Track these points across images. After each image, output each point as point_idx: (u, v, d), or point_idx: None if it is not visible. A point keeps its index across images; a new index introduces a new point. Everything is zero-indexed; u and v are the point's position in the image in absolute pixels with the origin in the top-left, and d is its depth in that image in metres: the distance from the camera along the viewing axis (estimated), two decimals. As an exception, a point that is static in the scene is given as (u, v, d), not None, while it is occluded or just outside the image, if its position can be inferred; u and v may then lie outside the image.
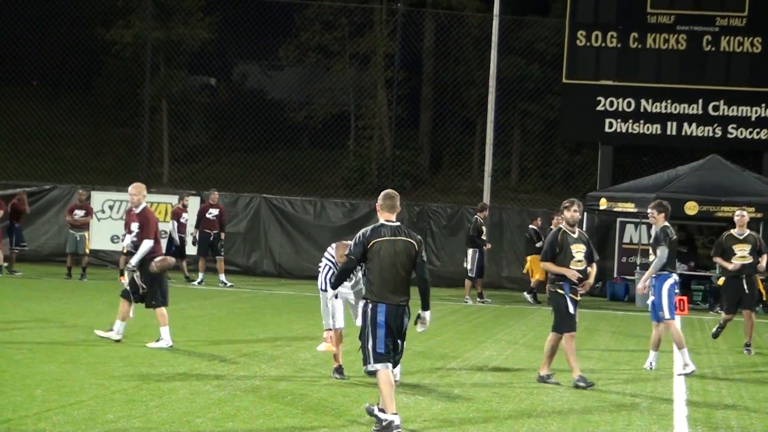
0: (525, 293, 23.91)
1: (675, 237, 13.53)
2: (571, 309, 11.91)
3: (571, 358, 11.98)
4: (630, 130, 26.68)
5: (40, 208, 27.70)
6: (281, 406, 9.85)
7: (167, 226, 27.07)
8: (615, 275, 26.11)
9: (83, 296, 20.17)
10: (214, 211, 24.26)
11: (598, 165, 27.59)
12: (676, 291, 13.42)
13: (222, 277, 24.00)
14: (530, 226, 24.13)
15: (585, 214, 24.75)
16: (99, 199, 27.72)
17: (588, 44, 26.51)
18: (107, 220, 27.55)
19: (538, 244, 24.00)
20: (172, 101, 34.60)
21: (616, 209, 24.50)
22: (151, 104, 30.92)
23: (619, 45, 26.47)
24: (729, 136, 26.47)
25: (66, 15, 32.27)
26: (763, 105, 26.32)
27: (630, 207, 23.95)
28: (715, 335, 16.42)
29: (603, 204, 24.47)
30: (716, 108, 26.40)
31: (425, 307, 9.43)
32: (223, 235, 24.47)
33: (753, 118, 26.41)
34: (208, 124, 35.65)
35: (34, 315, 16.47)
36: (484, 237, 23.30)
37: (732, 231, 15.83)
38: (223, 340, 14.57)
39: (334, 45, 35.80)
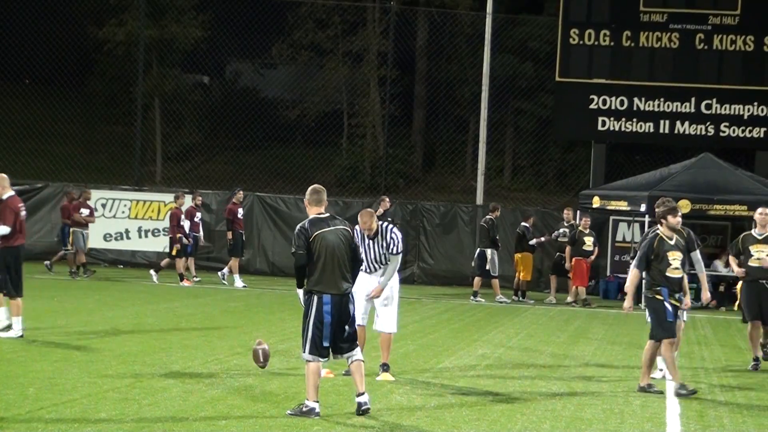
0: (513, 297, 23.63)
1: None
2: (669, 315, 11.47)
3: (670, 367, 11.61)
4: (623, 129, 26.70)
5: (32, 207, 27.58)
6: (274, 405, 9.84)
7: (161, 224, 27.10)
8: (608, 273, 26.14)
9: (75, 294, 20.14)
10: (241, 210, 24.09)
11: (591, 163, 27.61)
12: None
13: (237, 276, 23.84)
14: (522, 223, 24.09)
15: (578, 212, 24.79)
16: (92, 197, 27.66)
17: (581, 42, 26.52)
18: (100, 218, 27.50)
19: (532, 242, 24.02)
20: (165, 99, 34.56)
21: (609, 207, 24.52)
22: (144, 102, 30.88)
23: (612, 43, 26.49)
24: (721, 134, 26.50)
25: (58, 13, 32.20)
26: (756, 103, 26.36)
27: (623, 205, 23.97)
28: (766, 357, 14.10)
29: (596, 202, 24.49)
30: (709, 106, 26.43)
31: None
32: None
33: (745, 117, 26.44)
34: (201, 122, 35.62)
35: (27, 313, 16.37)
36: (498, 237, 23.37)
37: (752, 231, 14.01)
38: (216, 338, 14.56)
39: (327, 43, 35.79)
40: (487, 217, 23.56)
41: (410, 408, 10.06)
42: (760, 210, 14.11)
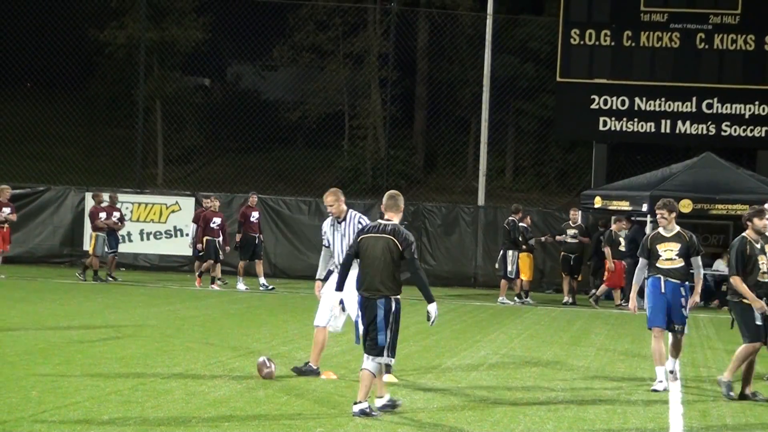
0: (515, 298, 23.45)
1: None
2: (758, 319, 11.24)
3: (733, 366, 11.47)
4: (624, 129, 26.70)
5: (34, 210, 27.66)
6: (277, 407, 9.84)
7: (162, 227, 27.11)
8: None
9: (78, 297, 20.14)
10: (256, 214, 23.90)
11: (593, 163, 27.61)
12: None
13: (263, 279, 23.73)
14: (520, 223, 23.78)
15: (580, 212, 24.78)
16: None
17: (582, 43, 26.52)
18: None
19: (531, 242, 23.98)
20: (167, 102, 34.57)
21: (611, 207, 24.51)
22: (145, 105, 30.89)
23: (612, 43, 26.49)
24: (723, 133, 26.49)
25: (59, 16, 32.22)
26: (757, 102, 26.35)
27: (625, 205, 23.96)
28: None
29: (598, 202, 24.48)
30: (710, 106, 26.43)
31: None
32: (262, 237, 24.29)
33: (747, 116, 26.43)
34: (202, 124, 35.63)
35: (29, 316, 16.44)
36: (520, 239, 23.28)
37: (749, 236, 11.63)
38: (219, 340, 14.56)
39: (328, 45, 35.80)
40: (509, 218, 23.48)
41: (413, 409, 10.06)
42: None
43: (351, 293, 10.78)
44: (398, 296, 9.86)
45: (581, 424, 9.74)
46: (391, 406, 9.87)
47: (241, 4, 32.26)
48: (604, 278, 23.36)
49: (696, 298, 11.96)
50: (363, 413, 9.55)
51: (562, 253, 24.07)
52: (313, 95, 36.37)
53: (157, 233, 26.86)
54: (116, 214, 24.38)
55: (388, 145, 31.02)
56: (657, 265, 11.82)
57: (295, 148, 35.09)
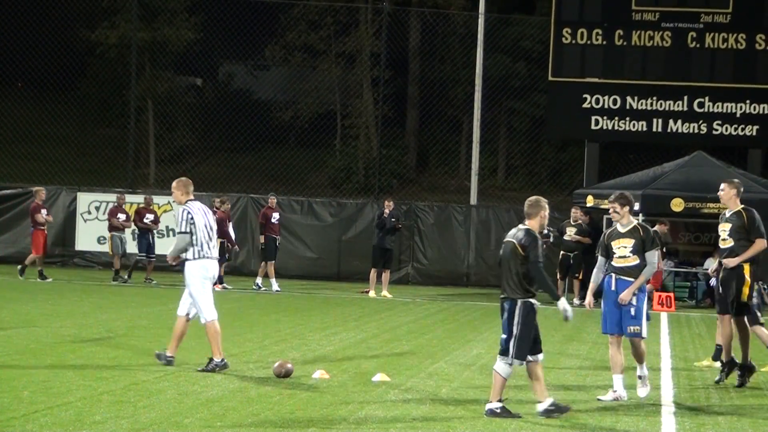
0: None
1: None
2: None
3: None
4: (616, 128, 26.74)
5: (25, 210, 27.58)
6: (269, 406, 9.84)
7: (155, 227, 26.99)
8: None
9: (69, 298, 20.12)
10: (276, 215, 23.92)
11: (585, 162, 27.64)
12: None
13: (259, 279, 23.80)
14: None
15: (571, 211, 24.78)
16: (85, 200, 27.67)
17: (573, 42, 26.55)
18: (93, 221, 27.49)
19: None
20: (158, 102, 34.53)
21: (603, 206, 24.52)
22: (137, 105, 30.86)
23: (604, 42, 26.53)
24: (714, 132, 26.54)
25: (50, 16, 32.18)
26: (748, 101, 26.40)
27: (616, 204, 23.96)
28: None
29: (590, 201, 24.50)
30: (701, 105, 26.48)
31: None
32: (278, 239, 24.28)
33: (738, 115, 26.49)
34: (194, 124, 35.59)
35: (20, 317, 16.41)
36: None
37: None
38: (211, 340, 14.52)
39: (319, 44, 35.79)
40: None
41: (405, 408, 10.06)
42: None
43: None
44: (527, 299, 9.85)
45: (573, 422, 9.75)
46: (556, 411, 9.81)
47: (233, 4, 32.24)
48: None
49: (632, 288, 11.01)
50: (491, 413, 9.70)
51: (561, 252, 23.93)
52: (305, 95, 36.36)
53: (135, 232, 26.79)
54: (121, 216, 24.51)
55: (381, 144, 31.02)
56: (611, 263, 11.21)
57: (287, 147, 35.08)
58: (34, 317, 16.43)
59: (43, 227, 24.02)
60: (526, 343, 9.80)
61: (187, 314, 12.11)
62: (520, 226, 10.15)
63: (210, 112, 36.04)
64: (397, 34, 32.33)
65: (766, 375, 13.14)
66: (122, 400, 9.80)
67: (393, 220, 23.54)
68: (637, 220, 11.57)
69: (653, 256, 11.14)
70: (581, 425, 9.69)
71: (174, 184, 12.11)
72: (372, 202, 28.06)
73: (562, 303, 10.01)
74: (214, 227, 12.12)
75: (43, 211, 24.17)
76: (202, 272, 11.86)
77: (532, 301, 9.87)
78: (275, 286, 23.43)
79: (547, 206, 10.19)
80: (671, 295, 23.24)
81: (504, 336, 9.88)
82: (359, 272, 26.26)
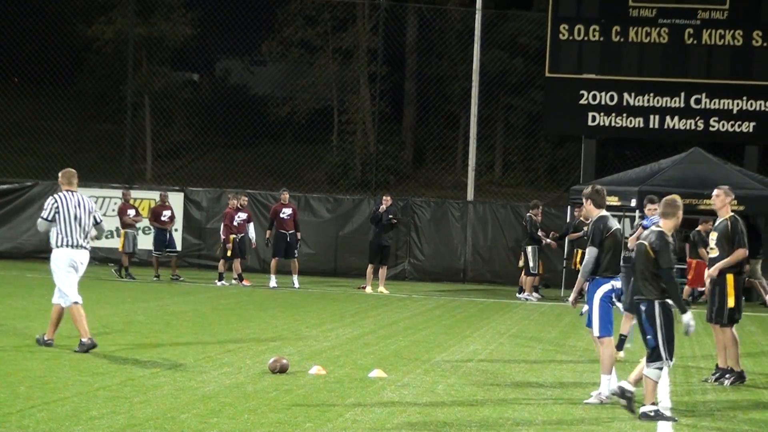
0: (525, 294, 23.15)
1: (614, 230, 10.58)
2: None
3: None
4: (613, 124, 26.74)
5: (22, 205, 27.57)
6: (266, 402, 9.84)
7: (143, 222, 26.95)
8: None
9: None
10: (288, 211, 23.69)
11: (582, 158, 27.63)
12: (614, 302, 10.69)
13: (295, 278, 23.54)
14: (528, 213, 23.56)
15: (568, 208, 24.80)
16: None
17: (570, 38, 26.55)
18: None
19: (545, 239, 23.56)
20: (155, 97, 34.50)
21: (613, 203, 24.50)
22: (134, 100, 30.82)
23: (601, 39, 26.52)
24: (711, 129, 26.56)
25: (47, 11, 32.12)
26: (745, 98, 26.41)
27: (614, 200, 23.90)
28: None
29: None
30: (698, 101, 26.49)
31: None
32: (299, 235, 23.97)
33: (735, 111, 26.50)
34: (191, 120, 35.57)
35: (17, 312, 16.40)
36: (541, 233, 23.12)
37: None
38: (207, 335, 14.54)
39: (316, 40, 35.77)
40: (528, 214, 23.47)
41: (402, 404, 10.05)
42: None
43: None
44: (664, 300, 9.83)
45: (570, 419, 9.75)
46: (660, 417, 9.75)
47: (230, 0, 32.21)
48: (687, 278, 23.27)
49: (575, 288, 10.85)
50: (645, 416, 9.73)
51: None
52: (302, 90, 36.33)
53: (146, 228, 26.77)
54: (131, 211, 24.47)
55: (377, 140, 31.01)
56: None
57: (284, 143, 35.06)
58: (30, 312, 16.43)
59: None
60: (673, 342, 9.84)
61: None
62: (653, 228, 10.12)
63: (207, 107, 36.01)
64: (394, 29, 32.31)
65: (763, 373, 13.15)
66: (118, 395, 9.79)
67: (389, 216, 23.52)
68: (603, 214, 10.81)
69: (589, 250, 10.60)
70: (579, 420, 9.69)
71: (60, 174, 13.02)
72: (369, 198, 28.05)
73: (688, 316, 9.83)
74: (85, 219, 12.80)
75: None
76: (64, 260, 12.60)
77: (669, 301, 9.84)
78: (273, 282, 23.37)
79: (682, 206, 10.17)
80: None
81: (649, 338, 9.81)
82: (356, 268, 26.26)
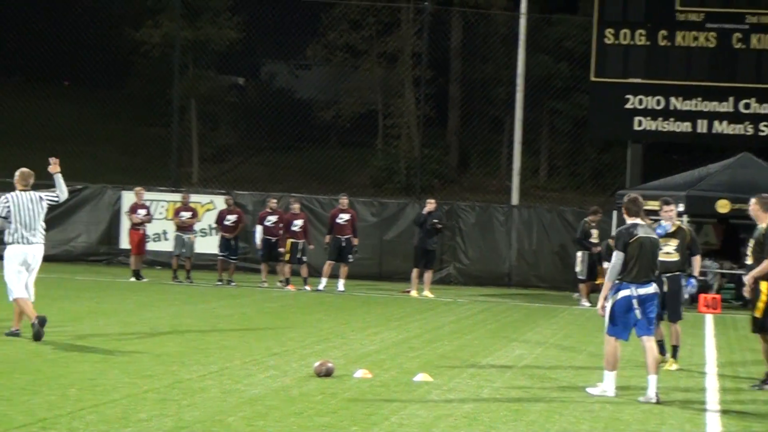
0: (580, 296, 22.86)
1: (639, 237, 11.11)
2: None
3: None
4: (659, 128, 26.54)
5: (72, 208, 27.89)
6: (311, 405, 9.88)
7: (197, 225, 27.18)
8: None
9: (115, 296, 20.30)
10: (345, 216, 23.70)
11: (628, 163, 27.46)
12: (636, 307, 11.17)
13: (341, 282, 23.51)
14: (586, 219, 23.20)
15: (615, 212, 24.63)
16: (130, 199, 27.85)
17: (616, 42, 26.39)
18: (137, 219, 27.69)
19: (597, 246, 22.65)
20: (201, 101, 34.76)
21: (646, 208, 24.30)
22: (180, 104, 31.06)
23: (647, 43, 26.34)
24: (761, 133, 26.27)
25: (96, 15, 32.51)
26: (795, 102, 26.10)
27: (658, 206, 23.75)
28: None
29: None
30: (747, 106, 26.21)
31: None
32: (356, 241, 23.83)
33: (785, 116, 26.20)
34: (236, 123, 35.81)
35: (68, 315, 16.60)
36: (594, 240, 22.59)
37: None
38: (254, 339, 14.63)
39: (361, 44, 35.87)
40: (583, 219, 23.11)
41: (447, 408, 10.06)
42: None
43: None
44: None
45: (617, 425, 9.71)
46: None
47: (275, 3, 32.38)
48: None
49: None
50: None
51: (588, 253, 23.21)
52: (346, 94, 36.44)
53: (202, 230, 26.96)
54: (141, 211, 24.46)
55: (422, 144, 31.02)
56: None
57: (328, 147, 35.20)
58: (80, 315, 16.61)
59: (138, 227, 24.22)
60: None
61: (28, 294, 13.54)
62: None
63: (252, 111, 36.23)
64: (439, 33, 32.32)
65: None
66: (166, 398, 9.89)
67: (434, 220, 23.51)
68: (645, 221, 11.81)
69: (614, 255, 11.20)
70: (625, 426, 9.64)
71: (17, 173, 13.94)
72: (413, 201, 28.06)
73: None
74: (36, 217, 13.57)
75: (140, 211, 24.31)
76: (15, 255, 13.36)
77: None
78: (321, 285, 23.41)
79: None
80: (717, 296, 23.04)
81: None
82: (401, 272, 26.27)
